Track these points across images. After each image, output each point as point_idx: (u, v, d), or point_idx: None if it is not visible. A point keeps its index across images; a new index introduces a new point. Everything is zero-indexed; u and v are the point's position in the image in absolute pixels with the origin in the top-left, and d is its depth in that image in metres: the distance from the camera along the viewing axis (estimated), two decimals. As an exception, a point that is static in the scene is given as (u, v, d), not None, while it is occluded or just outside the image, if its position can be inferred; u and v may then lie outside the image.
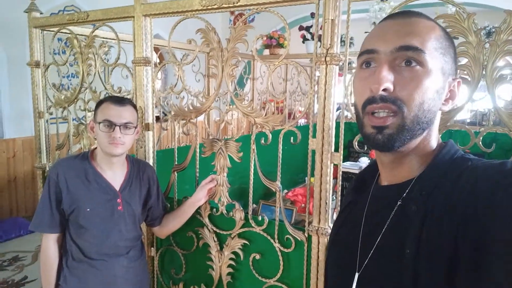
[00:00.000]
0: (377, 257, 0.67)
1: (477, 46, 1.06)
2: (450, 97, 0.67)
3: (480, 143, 1.29)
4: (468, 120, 5.94)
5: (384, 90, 0.61)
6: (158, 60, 4.19)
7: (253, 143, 1.53)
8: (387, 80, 0.61)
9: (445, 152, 0.66)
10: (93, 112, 1.55)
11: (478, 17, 1.10)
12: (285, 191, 3.28)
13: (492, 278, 0.50)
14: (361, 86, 0.66)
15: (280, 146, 1.49)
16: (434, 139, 0.68)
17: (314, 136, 1.37)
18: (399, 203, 0.66)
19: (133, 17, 1.72)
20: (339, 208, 1.35)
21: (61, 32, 2.09)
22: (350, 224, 0.78)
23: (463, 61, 1.26)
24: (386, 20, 0.67)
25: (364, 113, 0.66)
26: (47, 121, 2.25)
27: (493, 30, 3.17)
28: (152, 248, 1.90)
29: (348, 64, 1.69)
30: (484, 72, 1.10)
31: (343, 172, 1.42)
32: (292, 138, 1.46)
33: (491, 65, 1.06)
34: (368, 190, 0.77)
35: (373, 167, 0.79)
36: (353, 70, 1.53)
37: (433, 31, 0.63)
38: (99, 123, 1.44)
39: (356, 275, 0.69)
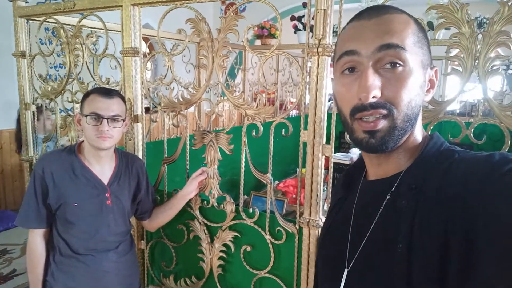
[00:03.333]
0: (367, 252, 0.67)
1: (469, 37, 1.05)
2: (430, 87, 0.67)
3: (471, 134, 1.29)
4: (458, 111, 5.97)
5: (373, 97, 0.61)
6: (147, 50, 4.13)
7: (244, 135, 1.52)
8: (375, 87, 0.61)
9: (432, 144, 0.67)
10: (80, 104, 1.51)
11: (470, 8, 1.09)
12: (276, 182, 3.28)
13: (483, 266, 0.51)
14: (346, 93, 0.65)
15: (272, 138, 1.48)
16: (419, 132, 0.68)
17: (305, 128, 1.35)
18: (388, 197, 0.66)
19: (121, 6, 1.67)
20: (330, 199, 1.35)
21: (47, 22, 2.04)
22: (340, 220, 0.78)
23: (455, 51, 1.25)
24: (358, 20, 0.65)
25: (353, 120, 0.65)
26: (33, 113, 2.21)
27: (485, 21, 3.18)
28: (142, 241, 1.88)
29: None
30: (476, 63, 1.09)
31: (334, 163, 1.42)
32: (283, 130, 1.45)
33: (483, 56, 1.05)
34: (356, 186, 0.77)
35: (360, 163, 0.79)
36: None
37: (409, 25, 0.63)
38: (86, 116, 1.40)
39: (346, 271, 0.69)
